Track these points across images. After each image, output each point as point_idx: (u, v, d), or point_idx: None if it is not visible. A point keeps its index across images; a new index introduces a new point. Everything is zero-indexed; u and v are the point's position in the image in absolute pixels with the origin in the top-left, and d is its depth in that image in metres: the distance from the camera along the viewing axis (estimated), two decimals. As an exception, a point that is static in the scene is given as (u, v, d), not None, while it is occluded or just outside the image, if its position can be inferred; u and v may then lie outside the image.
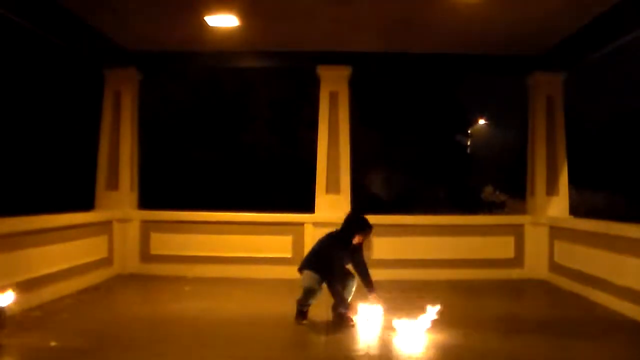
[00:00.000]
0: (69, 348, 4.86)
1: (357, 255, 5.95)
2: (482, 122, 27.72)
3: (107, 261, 8.19)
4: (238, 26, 7.31)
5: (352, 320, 5.69)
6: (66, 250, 7.02)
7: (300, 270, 5.87)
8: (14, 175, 13.24)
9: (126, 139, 8.78)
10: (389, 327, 5.47)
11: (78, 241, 7.34)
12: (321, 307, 5.98)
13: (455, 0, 6.48)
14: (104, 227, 8.22)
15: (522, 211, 9.38)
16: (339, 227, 5.94)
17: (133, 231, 8.60)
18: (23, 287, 5.83)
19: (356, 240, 5.84)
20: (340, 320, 5.76)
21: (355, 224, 5.85)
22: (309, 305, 5.81)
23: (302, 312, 5.81)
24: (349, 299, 5.83)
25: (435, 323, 5.37)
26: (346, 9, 6.79)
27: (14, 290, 5.36)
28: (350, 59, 8.56)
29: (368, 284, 5.91)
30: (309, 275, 5.73)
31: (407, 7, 6.75)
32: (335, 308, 5.87)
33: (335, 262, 5.75)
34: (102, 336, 5.29)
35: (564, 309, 6.74)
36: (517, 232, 8.65)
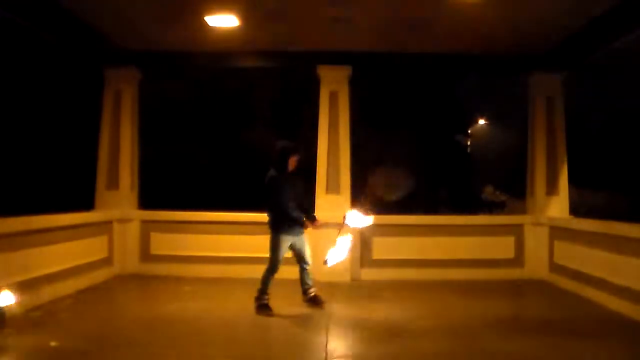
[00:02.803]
0: (69, 348, 4.87)
1: (298, 186, 6.34)
2: (482, 122, 27.70)
3: (107, 261, 8.19)
4: (238, 26, 7.31)
5: (269, 313, 5.96)
6: (66, 250, 7.03)
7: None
8: (14, 175, 13.22)
9: (126, 138, 8.79)
10: None
11: (78, 241, 7.34)
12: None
13: (455, 0, 6.49)
14: (104, 227, 8.22)
15: (522, 211, 9.37)
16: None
17: (133, 231, 8.60)
18: (23, 287, 5.83)
19: (292, 164, 6.17)
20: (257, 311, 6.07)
21: (287, 149, 6.25)
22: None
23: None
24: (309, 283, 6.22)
25: (435, 324, 5.36)
26: (346, 9, 6.79)
27: (13, 291, 5.37)
28: (350, 59, 8.55)
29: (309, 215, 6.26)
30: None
31: (407, 7, 6.75)
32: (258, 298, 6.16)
33: (282, 193, 6.03)
34: (102, 336, 5.30)
35: (564, 309, 6.74)
36: (517, 232, 8.65)
